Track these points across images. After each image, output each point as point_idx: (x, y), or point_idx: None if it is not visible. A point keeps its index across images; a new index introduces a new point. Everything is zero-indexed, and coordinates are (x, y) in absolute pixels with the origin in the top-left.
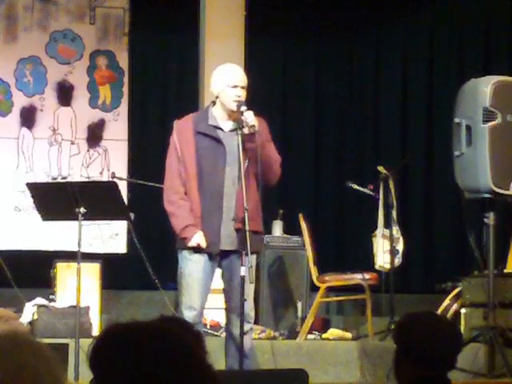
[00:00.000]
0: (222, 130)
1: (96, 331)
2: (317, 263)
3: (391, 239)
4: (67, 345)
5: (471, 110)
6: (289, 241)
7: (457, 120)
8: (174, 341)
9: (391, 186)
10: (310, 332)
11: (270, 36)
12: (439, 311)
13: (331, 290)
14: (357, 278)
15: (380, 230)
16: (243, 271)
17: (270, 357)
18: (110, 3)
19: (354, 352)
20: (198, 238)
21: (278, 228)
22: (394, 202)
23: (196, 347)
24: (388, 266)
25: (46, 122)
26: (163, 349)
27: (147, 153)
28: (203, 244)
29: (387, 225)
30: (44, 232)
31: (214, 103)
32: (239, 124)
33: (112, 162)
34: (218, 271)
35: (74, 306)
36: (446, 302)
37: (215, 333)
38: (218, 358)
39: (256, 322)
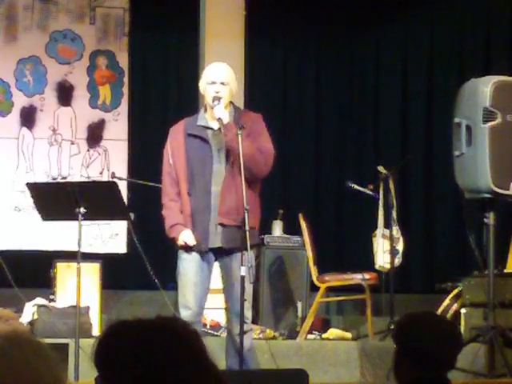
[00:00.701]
0: (212, 129)
1: (96, 331)
2: (317, 263)
3: (391, 239)
4: (67, 345)
5: (471, 110)
6: (289, 241)
7: (457, 120)
8: (178, 338)
9: (391, 186)
10: (310, 332)
11: (270, 36)
12: (439, 311)
13: (331, 290)
14: (357, 278)
15: (380, 230)
16: (243, 271)
17: (270, 357)
18: (109, 3)
19: (354, 352)
20: (184, 236)
21: (277, 228)
22: (394, 201)
23: (199, 345)
24: (388, 266)
25: (46, 122)
26: (167, 345)
27: (147, 153)
28: (190, 242)
29: (387, 225)
30: (44, 232)
31: (206, 105)
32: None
33: (112, 162)
34: (218, 271)
35: (74, 306)
36: (446, 302)
37: (215, 333)
38: (218, 358)
39: (256, 322)
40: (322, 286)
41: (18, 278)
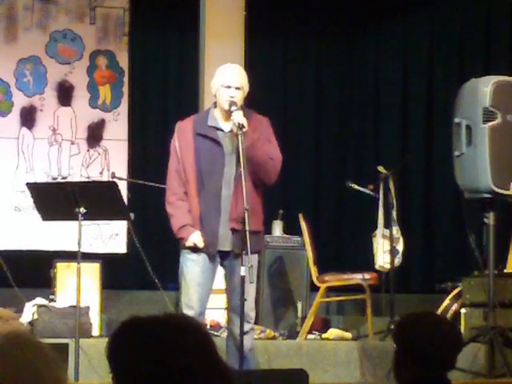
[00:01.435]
0: (222, 130)
1: (96, 331)
2: (317, 263)
3: (391, 239)
4: (67, 345)
5: (471, 110)
6: (289, 241)
7: (457, 120)
8: (190, 335)
9: (391, 186)
10: (309, 332)
11: (269, 36)
12: (439, 311)
13: (331, 290)
14: (357, 278)
15: (380, 230)
16: (243, 271)
17: (270, 357)
18: (109, 3)
19: (354, 352)
20: (194, 238)
21: (277, 228)
22: (394, 201)
23: (210, 342)
24: (388, 266)
25: (46, 122)
26: (179, 342)
27: (147, 153)
28: (200, 244)
29: (387, 225)
30: (44, 232)
31: (215, 104)
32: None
33: (112, 162)
34: (221, 271)
35: (74, 306)
36: (446, 302)
37: (215, 333)
38: None
39: (256, 322)
40: (322, 286)
41: (17, 278)
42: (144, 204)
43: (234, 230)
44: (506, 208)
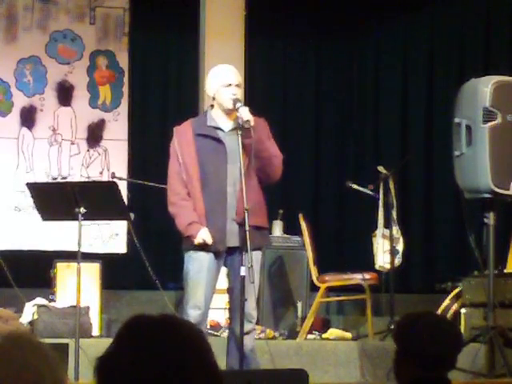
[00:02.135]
0: (222, 130)
1: (96, 331)
2: (317, 263)
3: (391, 239)
4: (67, 345)
5: (471, 110)
6: (289, 241)
7: (457, 120)
8: (185, 338)
9: (391, 186)
10: (309, 332)
11: (269, 36)
12: (439, 311)
13: (331, 290)
14: (357, 278)
15: (380, 230)
16: (243, 271)
17: (270, 357)
18: (109, 3)
19: (354, 352)
20: (203, 234)
21: (277, 228)
22: (394, 201)
23: (205, 345)
24: (388, 266)
25: (46, 121)
26: (174, 345)
27: (147, 153)
28: (209, 240)
29: (387, 225)
30: (44, 232)
31: (212, 106)
32: (238, 122)
33: (112, 162)
34: (223, 270)
35: (74, 306)
36: (446, 302)
37: (215, 333)
38: (218, 358)
39: (256, 322)
40: (322, 286)
41: (17, 278)
42: (144, 204)
43: (240, 225)
44: (506, 208)
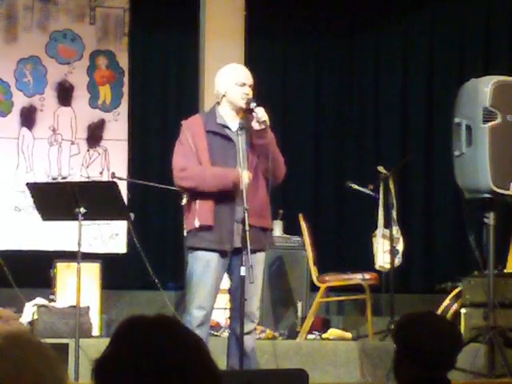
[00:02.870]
0: (229, 129)
1: (96, 331)
2: (317, 263)
3: (391, 239)
4: (67, 345)
5: (471, 110)
6: (289, 241)
7: (457, 120)
8: (182, 339)
9: (391, 186)
10: (310, 332)
11: (269, 36)
12: (439, 311)
13: (331, 290)
14: (357, 277)
15: (380, 230)
16: (243, 271)
17: (270, 357)
18: (109, 3)
19: (354, 352)
20: (245, 174)
21: (277, 228)
22: (394, 201)
23: (202, 346)
24: (388, 266)
25: (46, 121)
26: (172, 347)
27: (147, 153)
28: (246, 178)
29: (387, 225)
30: (44, 232)
31: (218, 103)
32: (245, 122)
33: (112, 162)
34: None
35: (74, 306)
36: (446, 302)
37: (215, 333)
38: (218, 358)
39: None
40: (322, 286)
41: (17, 278)
42: (144, 204)
43: (250, 226)
44: (506, 208)
